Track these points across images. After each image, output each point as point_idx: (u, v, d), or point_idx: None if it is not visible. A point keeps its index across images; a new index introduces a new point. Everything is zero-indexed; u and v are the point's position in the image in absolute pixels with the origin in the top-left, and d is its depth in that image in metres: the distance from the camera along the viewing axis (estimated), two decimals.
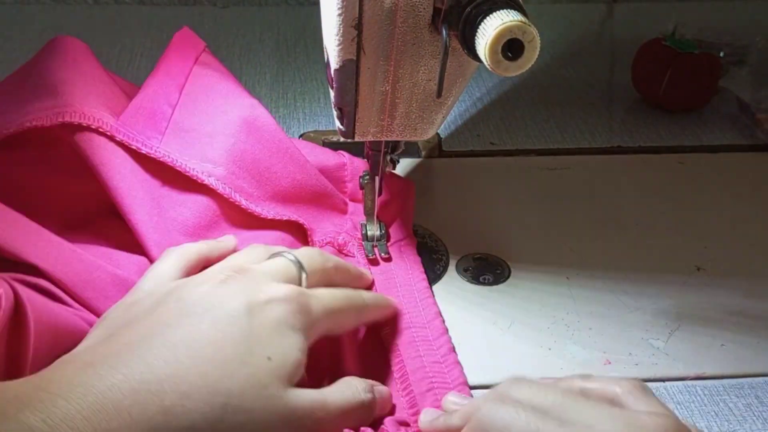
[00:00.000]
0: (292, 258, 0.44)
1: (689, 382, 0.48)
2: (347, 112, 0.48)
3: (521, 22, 0.38)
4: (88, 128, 0.49)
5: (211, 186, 0.51)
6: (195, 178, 0.51)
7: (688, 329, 0.52)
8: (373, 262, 0.53)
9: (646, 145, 0.70)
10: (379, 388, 0.43)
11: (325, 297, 0.43)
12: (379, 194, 0.54)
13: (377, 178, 0.53)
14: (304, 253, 0.45)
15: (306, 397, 0.39)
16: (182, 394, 0.35)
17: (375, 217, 0.54)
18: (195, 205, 0.51)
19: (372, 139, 0.50)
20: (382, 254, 0.54)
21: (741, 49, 0.80)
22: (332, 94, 0.48)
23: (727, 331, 0.51)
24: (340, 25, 0.43)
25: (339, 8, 0.43)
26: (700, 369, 0.49)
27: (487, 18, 0.39)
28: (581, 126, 0.73)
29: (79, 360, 0.37)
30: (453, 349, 0.48)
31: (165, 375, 0.35)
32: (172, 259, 0.44)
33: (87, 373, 0.35)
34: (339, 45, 0.44)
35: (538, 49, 0.38)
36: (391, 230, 0.56)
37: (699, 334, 0.51)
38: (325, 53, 0.48)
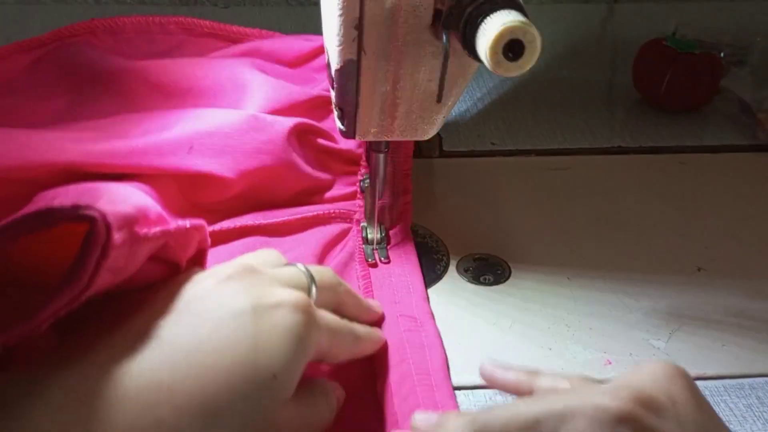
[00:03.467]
0: (304, 270, 0.42)
1: None
2: (348, 112, 0.48)
3: (522, 22, 0.38)
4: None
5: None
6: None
7: (689, 329, 0.51)
8: (372, 266, 0.53)
9: (646, 146, 0.70)
10: (340, 392, 0.42)
11: (329, 317, 0.41)
12: (380, 197, 0.54)
13: (378, 180, 0.53)
14: (317, 269, 0.43)
15: (290, 415, 0.37)
16: (176, 407, 0.32)
17: (375, 221, 0.54)
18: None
19: (373, 140, 0.50)
20: (382, 258, 0.54)
21: (742, 49, 0.80)
22: (333, 94, 0.48)
23: (728, 332, 0.51)
24: (340, 25, 0.43)
25: (340, 8, 0.43)
26: (700, 369, 0.49)
27: (488, 18, 0.38)
28: (582, 126, 0.73)
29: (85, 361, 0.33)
30: (446, 367, 0.46)
31: (159, 382, 0.32)
32: None
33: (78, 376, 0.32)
34: (339, 45, 0.44)
35: (539, 49, 0.38)
36: (391, 233, 0.56)
37: (700, 335, 0.51)
38: (325, 53, 0.48)
